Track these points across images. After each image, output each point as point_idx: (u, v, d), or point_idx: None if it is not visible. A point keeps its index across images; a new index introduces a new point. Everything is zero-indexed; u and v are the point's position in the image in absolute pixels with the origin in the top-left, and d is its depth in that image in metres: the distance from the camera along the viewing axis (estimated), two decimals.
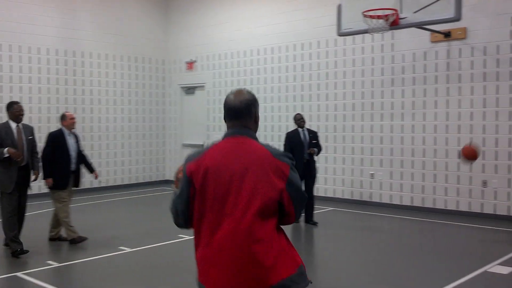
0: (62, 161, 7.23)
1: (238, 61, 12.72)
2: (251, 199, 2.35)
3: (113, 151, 13.31)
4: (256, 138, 2.52)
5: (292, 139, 8.60)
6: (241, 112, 2.50)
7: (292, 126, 11.17)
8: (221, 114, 13.02)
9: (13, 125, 6.74)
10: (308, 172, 8.52)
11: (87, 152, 12.72)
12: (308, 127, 8.89)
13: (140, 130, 13.92)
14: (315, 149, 8.57)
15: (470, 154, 7.28)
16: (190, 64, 13.87)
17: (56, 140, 7.27)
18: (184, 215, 2.49)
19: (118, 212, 10.21)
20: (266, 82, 12.14)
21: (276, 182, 2.37)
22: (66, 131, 7.36)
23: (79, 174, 7.57)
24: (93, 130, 12.89)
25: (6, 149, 6.47)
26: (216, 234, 2.38)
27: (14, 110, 6.76)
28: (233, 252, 2.35)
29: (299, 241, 7.75)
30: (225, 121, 2.56)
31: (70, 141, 7.37)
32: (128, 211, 10.27)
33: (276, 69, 11.95)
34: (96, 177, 8.01)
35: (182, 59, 14.07)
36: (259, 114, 2.61)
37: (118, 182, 13.41)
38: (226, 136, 2.53)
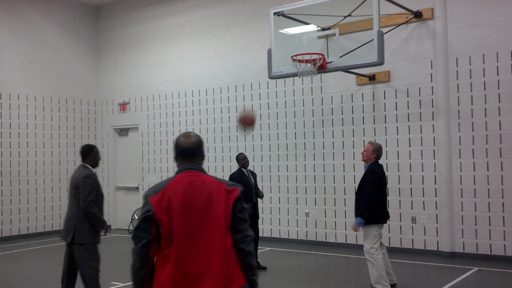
0: None
1: (172, 102, 12.71)
2: (218, 221, 2.83)
3: (42, 196, 12.79)
4: (206, 172, 2.99)
5: (239, 180, 7.96)
6: (193, 152, 2.97)
7: (227, 167, 11.23)
8: (155, 155, 12.88)
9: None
10: (255, 214, 8.26)
11: (14, 197, 12.23)
12: (249, 168, 8.60)
13: (70, 173, 13.42)
14: (262, 192, 8.47)
15: (246, 121, 7.06)
16: (123, 106, 13.71)
17: None
18: (147, 245, 2.79)
19: (48, 259, 9.73)
20: (201, 123, 12.17)
21: (230, 202, 2.88)
22: None
23: None
24: (20, 175, 12.37)
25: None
26: (190, 254, 2.78)
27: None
28: (211, 269, 2.77)
29: None
30: (176, 160, 3.00)
31: None
32: (59, 259, 9.79)
33: (211, 110, 12.02)
34: None
35: (115, 100, 13.89)
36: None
37: (48, 228, 12.85)
38: (181, 171, 2.93)
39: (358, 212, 6.62)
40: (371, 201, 6.53)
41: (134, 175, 13.48)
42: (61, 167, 13.24)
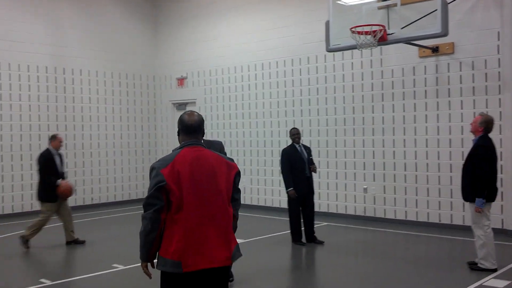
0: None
1: (229, 77, 12.73)
2: (222, 192, 3.22)
3: (105, 168, 13.25)
4: (206, 147, 3.33)
5: (291, 155, 8.21)
6: (196, 129, 3.31)
7: (283, 142, 11.17)
8: (212, 129, 12.99)
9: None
10: (310, 189, 8.32)
11: (78, 169, 12.73)
12: (302, 143, 8.63)
13: (131, 147, 13.87)
14: (315, 166, 8.40)
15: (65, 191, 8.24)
16: (181, 81, 13.88)
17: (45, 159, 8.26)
18: (159, 210, 3.09)
19: (110, 229, 10.12)
20: (257, 98, 12.15)
21: (231, 175, 3.31)
22: (53, 151, 8.35)
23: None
24: (84, 147, 12.83)
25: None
26: (199, 220, 3.12)
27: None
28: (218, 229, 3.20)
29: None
30: (179, 134, 3.35)
31: (57, 161, 8.39)
32: (120, 228, 10.17)
33: (267, 84, 11.96)
34: None
35: (173, 75, 14.08)
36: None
37: (111, 199, 13.33)
38: (185, 146, 3.26)
39: (465, 191, 6.51)
40: (486, 178, 6.31)
41: None
42: (122, 141, 13.62)
